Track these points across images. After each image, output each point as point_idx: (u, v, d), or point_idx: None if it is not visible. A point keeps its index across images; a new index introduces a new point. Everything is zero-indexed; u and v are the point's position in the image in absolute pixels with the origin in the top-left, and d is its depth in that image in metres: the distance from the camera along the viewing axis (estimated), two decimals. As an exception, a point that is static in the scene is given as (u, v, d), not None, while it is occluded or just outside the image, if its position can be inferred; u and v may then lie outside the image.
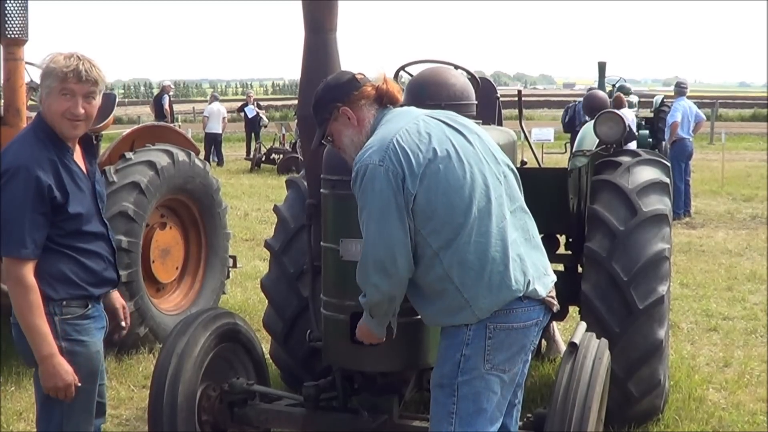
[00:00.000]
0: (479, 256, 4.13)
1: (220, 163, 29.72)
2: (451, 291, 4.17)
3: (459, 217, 4.13)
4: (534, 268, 4.28)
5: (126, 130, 9.41)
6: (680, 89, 19.23)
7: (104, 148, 9.51)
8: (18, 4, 7.97)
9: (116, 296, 4.89)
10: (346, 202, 4.80)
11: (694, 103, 20.31)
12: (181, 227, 9.49)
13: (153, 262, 8.91)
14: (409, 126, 4.27)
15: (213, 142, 30.14)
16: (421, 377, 5.25)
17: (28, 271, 4.23)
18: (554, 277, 4.44)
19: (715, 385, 7.75)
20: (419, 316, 4.58)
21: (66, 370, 4.27)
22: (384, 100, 4.46)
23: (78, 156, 4.51)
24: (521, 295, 4.19)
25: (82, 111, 4.37)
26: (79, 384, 4.34)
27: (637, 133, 21.86)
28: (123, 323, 4.92)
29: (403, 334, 4.67)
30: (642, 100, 27.42)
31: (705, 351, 8.85)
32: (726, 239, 15.27)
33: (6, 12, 7.95)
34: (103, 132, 10.08)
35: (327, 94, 4.46)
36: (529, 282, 4.22)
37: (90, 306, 4.47)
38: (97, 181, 4.61)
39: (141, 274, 8.59)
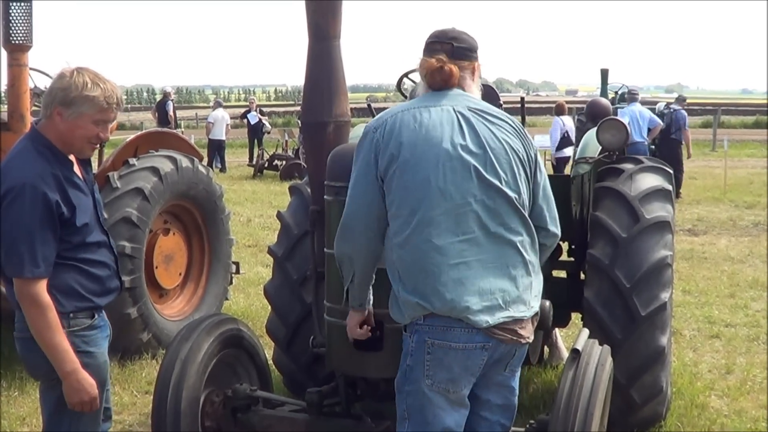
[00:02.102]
0: (415, 261, 4.11)
1: (223, 169, 29.74)
2: (395, 280, 4.24)
3: (408, 216, 4.13)
4: (483, 297, 4.06)
5: (129, 136, 9.42)
6: (631, 96, 20.72)
7: (108, 154, 9.52)
8: (22, 11, 8.00)
9: None
10: (349, 208, 4.83)
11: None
12: (185, 233, 9.50)
13: (156, 268, 8.92)
14: (416, 110, 4.25)
15: (217, 148, 30.16)
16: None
17: (42, 289, 4.20)
18: (522, 314, 4.15)
19: (717, 392, 7.76)
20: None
21: (90, 383, 4.28)
22: (428, 82, 4.35)
23: (76, 167, 4.50)
24: (439, 314, 4.08)
25: (109, 137, 4.49)
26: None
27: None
28: None
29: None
30: (644, 106, 27.40)
31: (707, 358, 8.86)
32: (728, 246, 15.27)
33: (10, 18, 7.98)
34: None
35: (474, 45, 4.46)
36: (466, 308, 4.03)
37: (96, 316, 4.48)
38: (94, 189, 4.63)
39: (144, 280, 8.61)
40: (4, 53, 8.18)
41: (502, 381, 4.37)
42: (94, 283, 4.42)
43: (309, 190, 5.78)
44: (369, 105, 8.35)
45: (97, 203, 4.59)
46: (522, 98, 8.70)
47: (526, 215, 4.22)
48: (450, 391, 4.16)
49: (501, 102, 7.69)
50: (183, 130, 34.06)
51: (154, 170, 8.70)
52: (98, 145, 4.49)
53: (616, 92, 24.46)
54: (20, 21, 8.03)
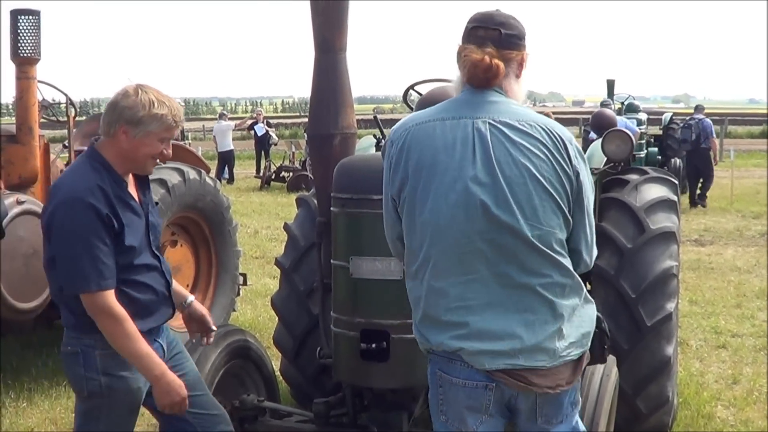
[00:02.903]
0: (417, 297, 3.82)
1: (230, 181, 29.78)
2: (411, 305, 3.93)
3: (416, 249, 3.78)
4: (484, 341, 3.63)
5: (137, 149, 9.46)
6: (604, 106, 21.01)
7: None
8: (30, 24, 8.05)
9: (197, 305, 4.94)
10: (356, 220, 4.85)
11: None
12: (192, 245, 9.53)
13: (164, 279, 8.93)
14: (434, 123, 3.76)
15: (226, 160, 30.18)
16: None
17: (113, 300, 4.15)
18: (539, 363, 3.64)
19: (724, 402, 7.76)
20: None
21: (179, 384, 4.29)
22: (467, 77, 3.79)
23: (132, 187, 4.43)
24: (438, 351, 3.77)
25: (171, 154, 4.48)
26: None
27: (646, 150, 22.10)
28: (213, 327, 4.97)
29: (413, 350, 4.69)
30: (651, 117, 27.47)
31: (714, 368, 8.86)
32: (735, 256, 15.26)
33: (18, 31, 8.03)
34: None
35: (523, 32, 3.88)
36: (460, 348, 3.65)
37: None
38: (150, 212, 4.52)
39: (152, 292, 8.62)
40: (13, 66, 8.23)
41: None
42: (136, 306, 4.31)
43: (316, 201, 5.79)
44: (375, 117, 8.38)
45: (151, 226, 4.49)
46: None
47: (555, 253, 3.67)
48: (461, 429, 3.78)
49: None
50: (190, 142, 34.10)
51: (162, 182, 8.72)
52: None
53: (623, 103, 24.49)
54: (28, 34, 8.08)
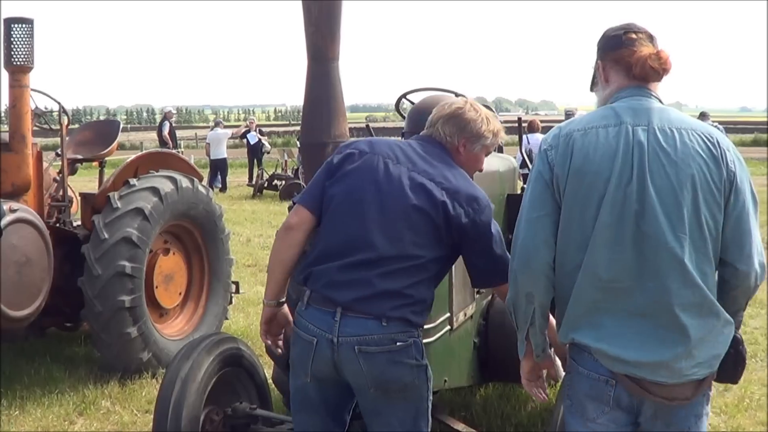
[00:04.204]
0: (564, 297, 3.95)
1: (223, 189, 29.76)
2: None
3: (569, 248, 3.90)
4: (612, 345, 3.75)
5: (129, 157, 9.49)
6: (567, 116, 22.52)
7: (108, 174, 9.58)
8: (23, 32, 8.06)
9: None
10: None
11: None
12: (185, 253, 9.54)
13: (156, 287, 8.95)
14: (594, 130, 3.82)
15: (219, 168, 30.16)
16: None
17: None
18: (660, 378, 3.70)
19: (715, 409, 7.76)
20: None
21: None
22: (636, 74, 3.88)
23: None
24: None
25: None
26: None
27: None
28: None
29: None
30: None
31: (705, 376, 8.85)
32: (727, 264, 15.24)
33: (12, 40, 8.04)
34: (107, 158, 10.18)
35: (603, 42, 4.01)
36: (586, 345, 3.82)
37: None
38: None
39: (144, 300, 8.64)
40: (6, 74, 8.24)
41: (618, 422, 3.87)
42: None
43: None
44: (368, 125, 8.40)
45: None
46: (519, 118, 8.76)
47: (697, 269, 3.70)
48: (584, 416, 3.90)
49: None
50: (182, 150, 34.11)
51: (155, 190, 8.74)
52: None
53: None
54: (21, 42, 8.09)
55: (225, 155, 30.40)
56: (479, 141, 4.56)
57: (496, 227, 4.42)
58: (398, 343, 4.19)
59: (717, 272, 3.79)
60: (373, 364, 4.17)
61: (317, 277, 4.31)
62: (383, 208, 4.26)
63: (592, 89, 4.12)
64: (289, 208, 6.78)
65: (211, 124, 39.20)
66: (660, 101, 3.88)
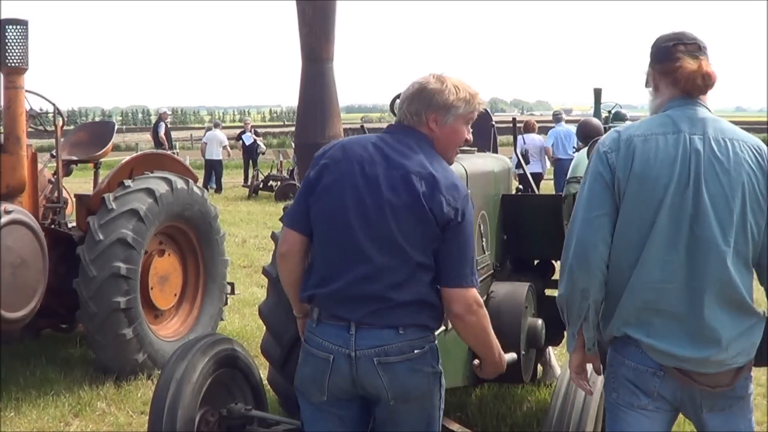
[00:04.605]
0: (625, 285, 4.10)
1: (218, 190, 29.75)
2: None
3: (627, 245, 4.10)
4: (664, 343, 4.02)
5: (124, 158, 9.49)
6: (556, 118, 22.57)
7: (103, 175, 9.58)
8: (18, 33, 8.06)
9: None
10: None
11: None
12: (180, 254, 9.54)
13: (151, 288, 8.95)
14: (653, 137, 4.02)
15: (212, 168, 30.15)
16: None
17: None
18: (701, 368, 3.97)
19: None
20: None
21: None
22: (682, 88, 4.07)
23: None
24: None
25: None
26: None
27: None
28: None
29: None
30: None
31: (700, 376, 8.85)
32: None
33: (6, 41, 8.04)
34: (102, 159, 10.17)
35: (654, 51, 4.18)
36: (636, 340, 4.05)
37: None
38: None
39: (139, 301, 8.64)
40: (0, 76, 8.24)
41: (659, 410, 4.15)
42: None
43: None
44: (363, 126, 8.41)
45: None
46: (514, 119, 8.77)
47: (742, 272, 3.98)
48: (634, 405, 4.13)
49: (493, 123, 7.77)
50: (177, 151, 34.07)
51: (150, 191, 8.74)
52: None
53: (610, 111, 24.56)
54: (16, 43, 8.09)
55: (220, 156, 30.37)
56: (450, 112, 4.22)
57: (471, 222, 4.17)
58: (416, 351, 4.10)
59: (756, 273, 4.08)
60: (394, 374, 4.07)
61: (323, 300, 4.20)
62: (368, 217, 4.11)
63: (646, 86, 4.28)
64: (284, 209, 6.79)
65: (208, 124, 39.14)
66: (708, 110, 4.08)
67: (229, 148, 31.66)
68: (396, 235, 4.08)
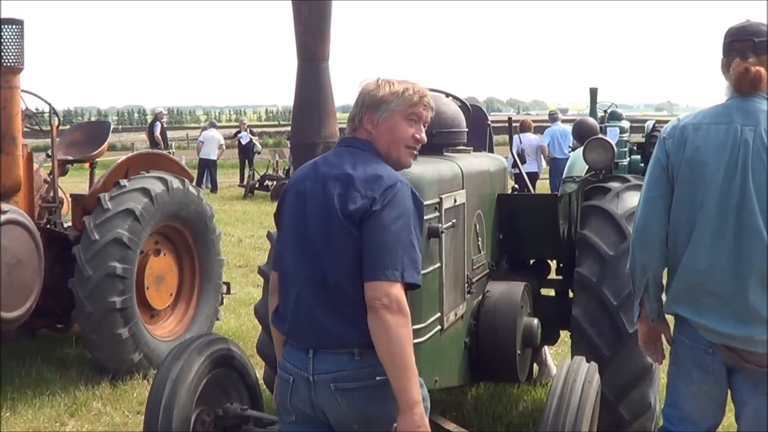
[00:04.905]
0: (679, 265, 4.49)
1: (213, 189, 29.71)
2: None
3: (680, 226, 4.50)
4: (713, 321, 4.40)
5: (120, 158, 9.49)
6: (552, 117, 22.95)
7: (99, 175, 9.58)
8: (14, 33, 8.04)
9: None
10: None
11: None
12: (175, 254, 9.54)
13: (147, 288, 8.95)
14: (706, 126, 4.37)
15: (206, 167, 30.12)
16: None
17: (405, 300, 3.76)
18: (750, 347, 4.34)
19: (706, 409, 7.77)
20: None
21: (427, 423, 3.75)
22: (734, 87, 4.39)
23: None
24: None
25: (425, 138, 4.14)
26: None
27: (629, 158, 22.26)
28: None
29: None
30: (634, 125, 27.57)
31: (696, 375, 8.85)
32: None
33: (2, 40, 8.02)
34: (97, 159, 10.16)
35: (723, 42, 4.50)
36: (691, 319, 4.47)
37: None
38: None
39: (135, 301, 8.64)
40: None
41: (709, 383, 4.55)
42: None
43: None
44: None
45: None
46: (509, 118, 8.77)
47: None
48: (687, 381, 4.56)
49: (489, 122, 7.77)
50: (173, 150, 34.05)
51: (145, 191, 8.74)
52: (415, 152, 4.18)
53: (605, 111, 24.57)
54: (12, 43, 8.07)
55: (215, 156, 30.32)
56: (380, 108, 4.00)
57: (399, 213, 3.81)
58: (378, 378, 3.80)
59: None
60: (352, 401, 3.85)
61: (280, 322, 4.12)
62: (305, 236, 3.95)
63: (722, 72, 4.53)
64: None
65: (204, 124, 39.04)
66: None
67: (224, 148, 31.58)
68: (325, 251, 3.90)
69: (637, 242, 4.54)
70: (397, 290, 3.71)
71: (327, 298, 3.89)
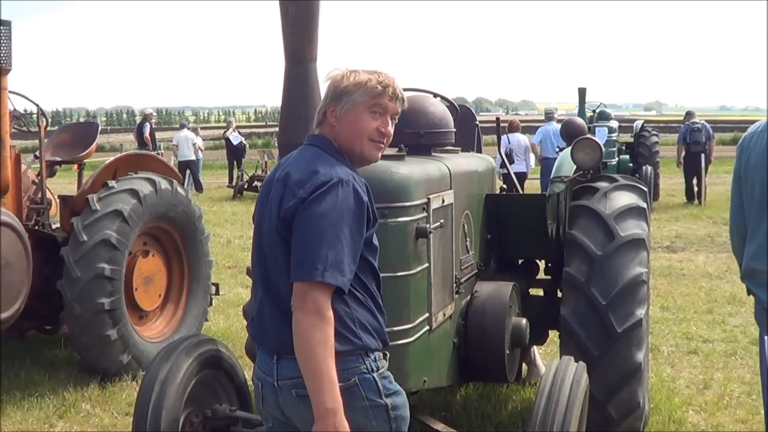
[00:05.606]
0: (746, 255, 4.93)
1: (198, 189, 29.57)
2: None
3: (750, 222, 4.92)
4: None
5: (108, 159, 9.47)
6: (547, 116, 22.58)
7: (87, 176, 9.56)
8: (1, 33, 8.01)
9: None
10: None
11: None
12: (164, 255, 9.53)
13: (136, 289, 8.94)
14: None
15: (187, 168, 29.98)
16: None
17: (329, 302, 3.54)
18: None
19: (695, 408, 7.81)
20: (400, 342, 4.70)
21: (347, 430, 3.52)
22: None
23: None
24: None
25: (392, 131, 3.90)
26: None
27: (618, 158, 22.29)
28: None
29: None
30: (623, 125, 27.61)
31: (685, 373, 8.91)
32: (706, 263, 15.35)
33: (-11, 42, 7.99)
34: (85, 160, 10.14)
35: None
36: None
37: (386, 359, 3.94)
38: None
39: (124, 302, 8.62)
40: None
41: None
42: (378, 321, 3.85)
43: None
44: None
45: None
46: (497, 118, 8.77)
47: None
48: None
49: (477, 122, 7.78)
50: (162, 152, 33.98)
51: (133, 192, 8.73)
52: (383, 146, 3.92)
53: (594, 111, 24.59)
54: (-1, 44, 8.05)
55: (193, 156, 30.04)
56: (342, 99, 3.80)
57: (327, 210, 3.58)
58: (339, 384, 3.53)
59: None
60: (311, 408, 3.55)
61: (251, 326, 4.08)
62: (259, 242, 3.88)
63: None
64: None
65: (175, 125, 38.90)
66: None
67: (201, 146, 31.31)
68: (274, 254, 3.78)
69: (732, 247, 5.23)
70: (316, 291, 3.50)
71: (280, 303, 3.75)
